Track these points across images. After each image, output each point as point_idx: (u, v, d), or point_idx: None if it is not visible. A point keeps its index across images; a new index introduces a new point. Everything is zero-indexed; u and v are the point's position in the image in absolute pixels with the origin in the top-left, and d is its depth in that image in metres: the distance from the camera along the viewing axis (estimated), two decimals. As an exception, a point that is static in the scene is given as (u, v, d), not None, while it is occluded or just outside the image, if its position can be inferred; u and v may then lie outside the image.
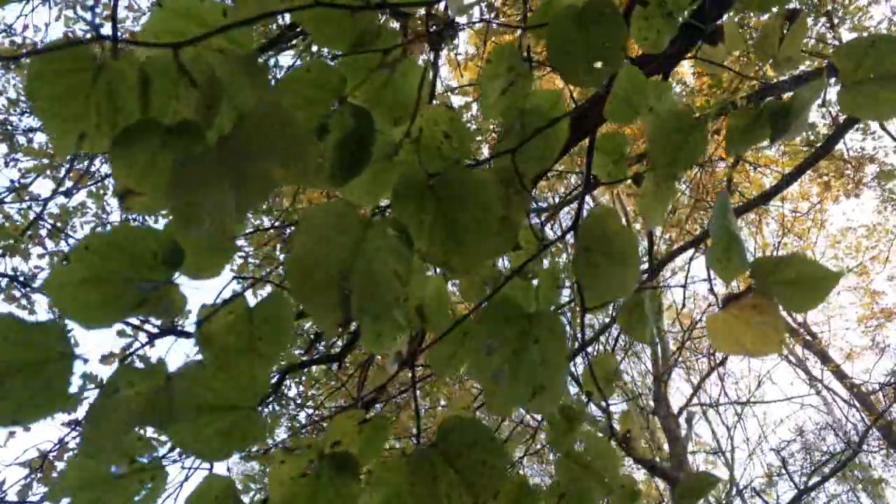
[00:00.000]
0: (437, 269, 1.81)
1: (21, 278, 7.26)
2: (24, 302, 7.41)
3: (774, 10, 1.73)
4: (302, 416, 9.09)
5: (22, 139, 8.16)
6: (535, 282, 1.95)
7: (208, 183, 0.99)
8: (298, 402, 9.13)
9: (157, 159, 1.11)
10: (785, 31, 1.74)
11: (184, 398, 1.32)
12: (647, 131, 1.86)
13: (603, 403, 2.17)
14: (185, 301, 1.32)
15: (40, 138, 8.18)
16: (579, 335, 2.01)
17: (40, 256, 7.52)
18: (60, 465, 6.37)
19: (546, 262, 2.00)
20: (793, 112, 1.70)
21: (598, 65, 1.53)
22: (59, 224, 7.64)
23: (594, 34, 1.51)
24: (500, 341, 1.46)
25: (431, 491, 1.49)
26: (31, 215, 7.27)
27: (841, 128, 5.93)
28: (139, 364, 1.37)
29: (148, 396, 1.29)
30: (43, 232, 7.43)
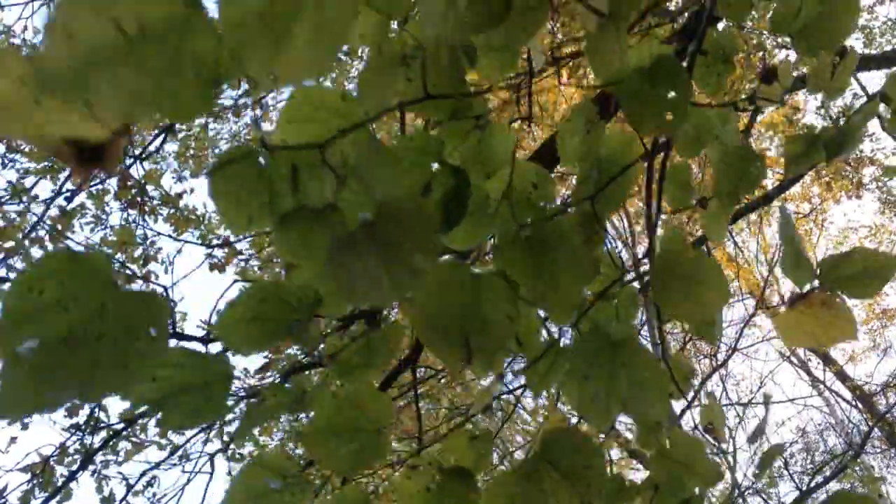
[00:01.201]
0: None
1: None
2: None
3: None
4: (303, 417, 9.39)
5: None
6: (614, 301, 2.23)
7: (359, 264, 1.29)
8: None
9: (309, 238, 1.44)
10: (835, 66, 1.98)
11: (318, 415, 1.66)
12: (712, 160, 2.12)
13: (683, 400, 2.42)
14: (321, 334, 1.65)
15: None
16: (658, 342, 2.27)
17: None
18: (61, 470, 6.70)
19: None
20: (847, 136, 1.94)
21: (668, 116, 1.79)
22: (59, 226, 7.89)
23: (663, 89, 1.78)
24: (595, 369, 1.74)
25: (540, 496, 1.78)
26: (30, 216, 7.56)
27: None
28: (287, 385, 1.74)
29: (286, 406, 1.64)
30: (42, 233, 7.65)
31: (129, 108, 0.94)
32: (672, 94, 1.78)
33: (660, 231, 2.16)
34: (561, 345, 2.19)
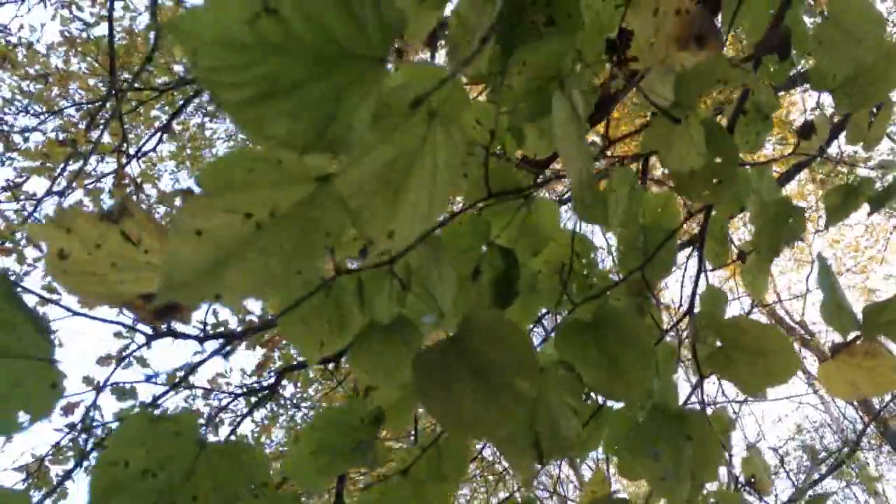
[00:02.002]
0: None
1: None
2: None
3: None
4: (298, 417, 9.38)
5: (17, 138, 8.38)
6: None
7: (453, 387, 1.25)
8: (294, 402, 9.39)
9: (382, 356, 1.40)
10: (872, 119, 2.00)
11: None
12: (750, 214, 2.13)
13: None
14: (389, 452, 1.61)
15: (36, 137, 8.37)
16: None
17: (36, 260, 7.57)
18: (56, 469, 6.52)
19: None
20: (892, 193, 1.97)
21: (716, 181, 1.78)
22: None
23: (710, 154, 1.77)
24: (662, 443, 1.73)
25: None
26: (26, 215, 7.45)
27: (836, 129, 6.18)
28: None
29: None
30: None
31: (255, 292, 0.88)
32: (719, 160, 1.77)
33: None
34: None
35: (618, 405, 2.30)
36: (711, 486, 2.41)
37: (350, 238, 1.57)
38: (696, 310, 2.06)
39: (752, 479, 2.51)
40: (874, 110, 2.00)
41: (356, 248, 1.56)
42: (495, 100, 1.50)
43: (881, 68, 1.87)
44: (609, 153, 1.94)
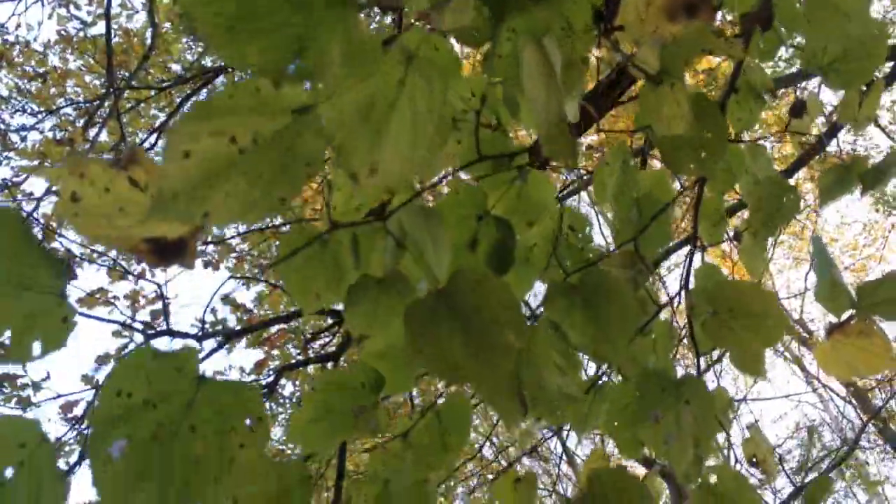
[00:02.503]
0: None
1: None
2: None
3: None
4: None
5: (15, 137, 8.54)
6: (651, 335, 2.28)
7: (443, 338, 1.32)
8: (294, 400, 9.43)
9: (377, 308, 1.47)
10: (863, 97, 2.05)
11: (398, 496, 1.68)
12: (743, 193, 2.18)
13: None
14: (389, 418, 1.67)
15: (34, 137, 8.48)
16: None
17: None
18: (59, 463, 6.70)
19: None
20: (884, 171, 2.01)
21: (704, 154, 1.84)
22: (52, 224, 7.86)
23: (698, 129, 1.83)
24: (663, 408, 1.78)
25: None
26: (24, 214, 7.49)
27: (834, 128, 6.19)
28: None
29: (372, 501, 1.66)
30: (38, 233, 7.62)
31: (241, 216, 0.96)
32: (708, 133, 1.83)
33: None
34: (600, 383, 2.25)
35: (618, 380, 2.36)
36: (710, 463, 2.45)
37: (354, 205, 1.66)
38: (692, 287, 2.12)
39: (755, 459, 2.54)
40: (864, 89, 2.05)
41: (360, 214, 1.64)
42: (487, 69, 1.57)
43: (869, 45, 1.92)
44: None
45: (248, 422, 1.23)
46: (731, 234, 2.27)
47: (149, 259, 1.24)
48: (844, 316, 2.07)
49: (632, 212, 1.96)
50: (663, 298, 2.51)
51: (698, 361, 2.30)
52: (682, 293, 2.14)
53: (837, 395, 15.90)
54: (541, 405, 1.59)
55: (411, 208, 1.53)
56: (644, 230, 1.92)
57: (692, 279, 2.11)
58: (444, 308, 1.36)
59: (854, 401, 14.73)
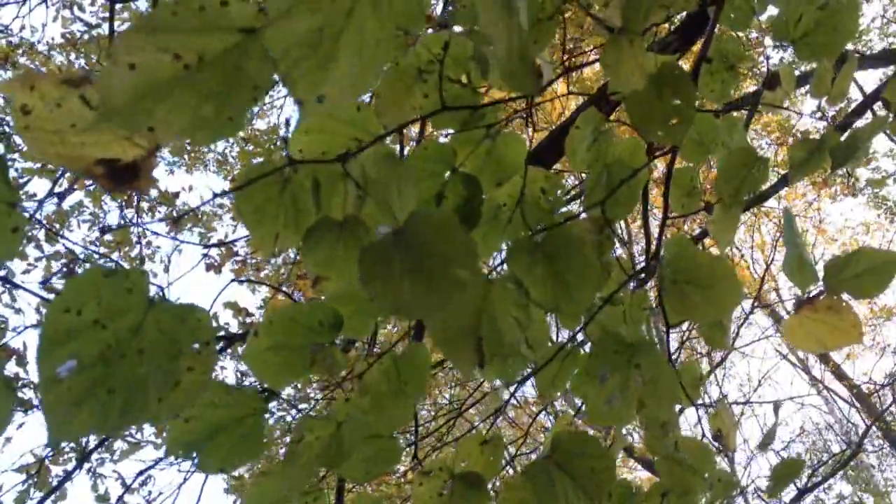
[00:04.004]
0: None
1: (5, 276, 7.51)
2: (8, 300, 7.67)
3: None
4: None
5: (19, 139, 8.55)
6: (622, 307, 2.32)
7: (395, 275, 1.35)
8: (292, 402, 9.46)
9: (335, 250, 1.50)
10: (836, 72, 2.08)
11: (351, 440, 1.71)
12: (717, 164, 2.21)
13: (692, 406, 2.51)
14: (345, 361, 1.71)
15: None
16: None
17: (37, 259, 7.80)
18: (56, 470, 6.72)
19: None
20: (854, 146, 2.04)
21: (674, 121, 1.87)
22: (55, 226, 7.91)
23: (667, 95, 1.86)
24: (610, 371, 1.82)
25: (552, 498, 1.86)
26: (25, 215, 7.48)
27: (837, 130, 6.23)
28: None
29: (324, 441, 1.68)
30: (40, 234, 7.71)
31: (190, 133, 1.00)
32: (677, 101, 1.86)
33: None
34: (569, 348, 2.28)
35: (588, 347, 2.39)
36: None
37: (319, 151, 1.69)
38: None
39: (719, 434, 2.58)
40: (837, 64, 2.08)
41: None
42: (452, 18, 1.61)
43: (840, 18, 1.95)
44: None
45: (195, 345, 1.27)
46: (704, 205, 2.30)
47: (102, 182, 1.27)
48: (813, 292, 2.11)
49: (602, 177, 1.99)
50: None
51: (668, 333, 2.33)
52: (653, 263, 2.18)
53: (841, 398, 16.01)
54: (498, 356, 1.63)
55: (377, 155, 1.57)
56: (612, 194, 1.95)
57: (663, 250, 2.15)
58: (399, 247, 1.40)
59: (858, 403, 14.79)
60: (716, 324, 2.48)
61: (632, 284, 2.28)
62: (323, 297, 1.70)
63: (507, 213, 1.93)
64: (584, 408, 2.10)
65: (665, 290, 1.89)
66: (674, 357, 2.59)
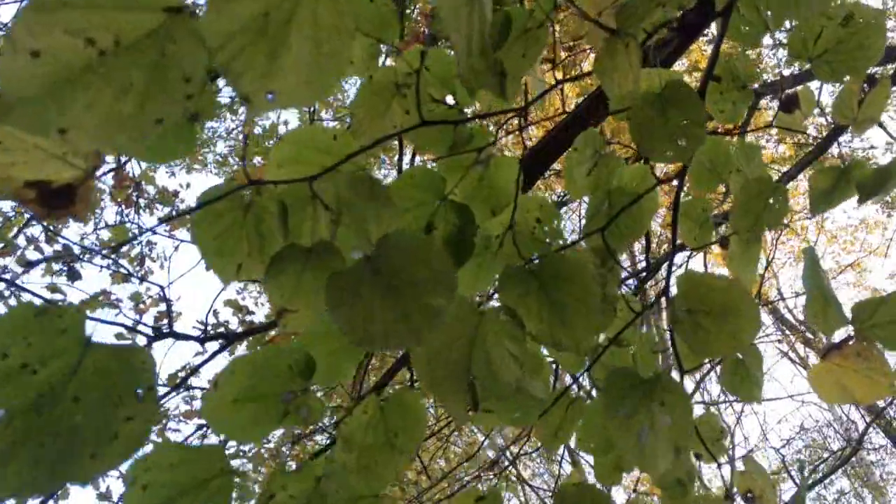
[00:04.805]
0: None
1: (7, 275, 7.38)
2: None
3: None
4: None
5: None
6: (630, 349, 2.14)
7: (365, 305, 1.20)
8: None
9: (302, 279, 1.34)
10: (864, 95, 1.92)
11: (334, 500, 1.53)
12: (732, 193, 2.05)
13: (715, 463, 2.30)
14: (323, 406, 1.54)
15: None
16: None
17: (38, 262, 7.59)
18: None
19: (643, 329, 2.19)
20: (885, 178, 1.88)
21: (682, 142, 1.73)
22: (53, 227, 7.81)
23: (674, 115, 1.72)
24: (632, 406, 1.63)
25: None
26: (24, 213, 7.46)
27: (836, 130, 6.13)
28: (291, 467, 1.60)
29: (299, 500, 1.50)
30: (38, 233, 7.61)
31: (107, 136, 0.85)
32: (684, 121, 1.72)
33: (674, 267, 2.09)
34: (573, 396, 2.11)
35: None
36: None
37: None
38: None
39: (750, 496, 2.36)
40: (865, 86, 1.93)
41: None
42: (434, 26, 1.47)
43: (865, 36, 1.81)
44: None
45: (138, 391, 1.11)
46: (719, 238, 2.13)
47: (33, 207, 1.13)
48: (840, 335, 1.94)
49: (603, 203, 1.84)
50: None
51: (681, 375, 2.15)
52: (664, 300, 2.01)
53: None
54: (493, 397, 1.45)
55: (353, 177, 1.42)
56: (611, 222, 1.80)
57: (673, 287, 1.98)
58: (370, 272, 1.25)
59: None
60: (746, 378, 2.29)
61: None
62: (293, 337, 1.54)
63: (499, 244, 1.78)
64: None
65: (677, 323, 1.72)
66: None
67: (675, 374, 1.91)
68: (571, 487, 1.86)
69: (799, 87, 2.04)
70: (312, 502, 1.54)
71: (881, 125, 1.99)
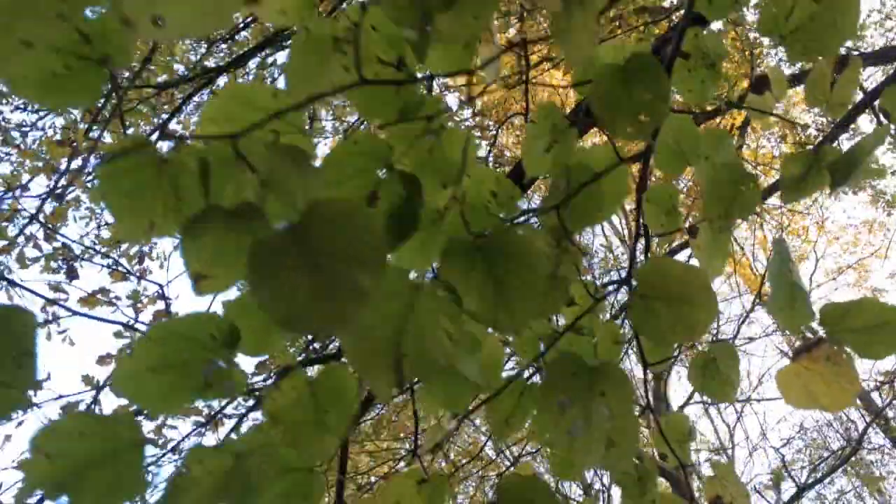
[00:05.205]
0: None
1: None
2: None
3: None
4: None
5: (16, 134, 8.50)
6: (594, 339, 2.06)
7: (287, 279, 1.11)
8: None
9: (223, 243, 1.25)
10: (836, 76, 1.84)
11: (258, 475, 1.44)
12: (700, 179, 1.96)
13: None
14: (246, 379, 1.45)
15: (34, 135, 8.44)
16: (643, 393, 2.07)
17: (36, 259, 7.59)
18: None
19: (604, 318, 2.11)
20: (855, 161, 1.79)
21: (643, 117, 1.64)
22: (53, 225, 7.76)
23: (638, 89, 1.63)
24: (570, 395, 1.55)
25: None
26: (23, 212, 7.38)
27: (836, 129, 6.07)
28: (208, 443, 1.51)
29: (219, 476, 1.41)
30: (38, 232, 7.55)
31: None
32: (648, 96, 1.63)
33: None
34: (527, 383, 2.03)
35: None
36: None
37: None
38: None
39: (717, 501, 2.25)
40: (837, 67, 1.84)
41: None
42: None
43: (838, 12, 1.72)
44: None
45: (13, 355, 1.03)
46: (687, 228, 2.05)
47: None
48: (809, 337, 1.86)
49: (560, 180, 1.75)
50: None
51: (645, 369, 2.07)
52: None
53: None
54: (422, 375, 1.37)
55: (275, 147, 1.33)
56: (568, 199, 1.71)
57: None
58: (294, 243, 1.15)
59: (858, 401, 14.60)
60: (718, 377, 2.21)
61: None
62: (219, 303, 1.45)
63: (450, 217, 1.69)
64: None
65: (631, 308, 1.64)
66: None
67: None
68: (513, 479, 1.77)
69: (769, 67, 1.95)
70: (233, 478, 1.45)
71: (874, 109, 1.90)
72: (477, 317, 1.47)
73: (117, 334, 6.72)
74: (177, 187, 1.27)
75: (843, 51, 1.88)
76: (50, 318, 6.74)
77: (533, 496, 1.68)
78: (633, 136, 1.64)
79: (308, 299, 1.12)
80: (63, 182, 7.05)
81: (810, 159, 1.92)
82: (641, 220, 1.93)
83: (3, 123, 8.61)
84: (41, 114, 8.44)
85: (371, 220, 1.19)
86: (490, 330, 1.83)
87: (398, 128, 1.62)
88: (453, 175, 1.69)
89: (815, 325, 1.80)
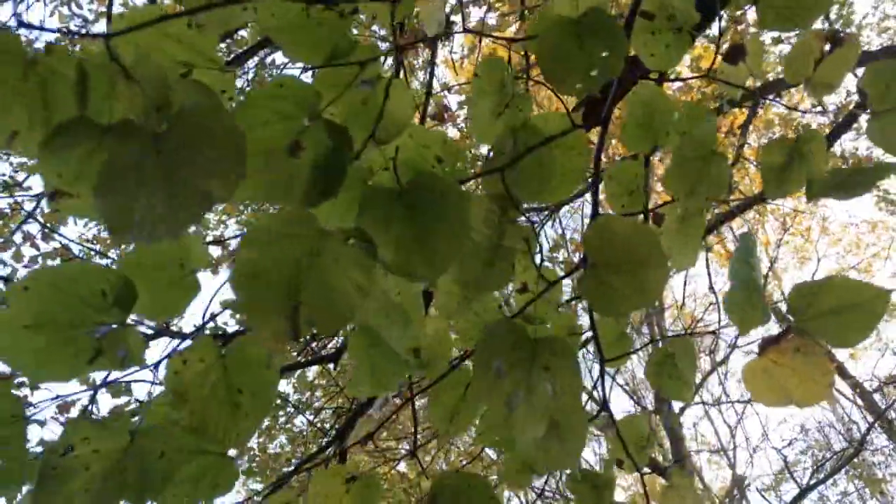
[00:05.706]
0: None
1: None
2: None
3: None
4: (299, 421, 9.11)
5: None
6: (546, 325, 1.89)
7: (140, 186, 0.98)
8: (297, 406, 9.04)
9: (93, 160, 1.11)
10: (824, 53, 1.68)
11: (156, 464, 1.28)
12: (671, 159, 1.80)
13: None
14: (145, 346, 1.29)
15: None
16: (599, 390, 1.89)
17: (32, 259, 7.51)
18: None
19: (561, 309, 1.94)
20: (845, 187, 1.66)
21: (594, 72, 1.50)
22: (51, 224, 7.70)
23: (591, 46, 1.49)
24: (508, 364, 1.38)
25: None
26: (22, 211, 7.38)
27: (838, 129, 5.90)
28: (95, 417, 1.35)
29: (111, 460, 1.25)
30: (33, 229, 7.49)
31: None
32: (604, 53, 1.49)
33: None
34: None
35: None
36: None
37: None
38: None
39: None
40: (828, 45, 1.68)
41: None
42: None
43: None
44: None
45: None
46: (651, 213, 1.88)
47: None
48: (773, 329, 1.68)
49: (508, 141, 1.60)
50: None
51: (602, 365, 1.89)
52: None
53: (844, 395, 15.79)
54: (322, 326, 1.21)
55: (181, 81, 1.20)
56: (514, 163, 1.56)
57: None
58: (154, 151, 1.02)
59: (860, 401, 14.33)
60: (674, 375, 2.03)
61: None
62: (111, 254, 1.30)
63: (384, 179, 1.55)
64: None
65: (582, 282, 1.47)
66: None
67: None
68: (450, 476, 1.60)
69: (750, 37, 1.80)
70: (125, 459, 1.29)
71: (872, 140, 1.73)
72: (391, 267, 1.31)
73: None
74: (46, 94, 1.13)
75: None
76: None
77: (470, 494, 1.51)
78: (584, 92, 1.49)
79: (155, 203, 0.99)
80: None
81: (790, 148, 1.76)
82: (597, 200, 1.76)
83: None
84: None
85: (235, 133, 1.06)
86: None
87: (326, 72, 1.49)
88: (392, 132, 1.55)
89: (783, 309, 1.62)
